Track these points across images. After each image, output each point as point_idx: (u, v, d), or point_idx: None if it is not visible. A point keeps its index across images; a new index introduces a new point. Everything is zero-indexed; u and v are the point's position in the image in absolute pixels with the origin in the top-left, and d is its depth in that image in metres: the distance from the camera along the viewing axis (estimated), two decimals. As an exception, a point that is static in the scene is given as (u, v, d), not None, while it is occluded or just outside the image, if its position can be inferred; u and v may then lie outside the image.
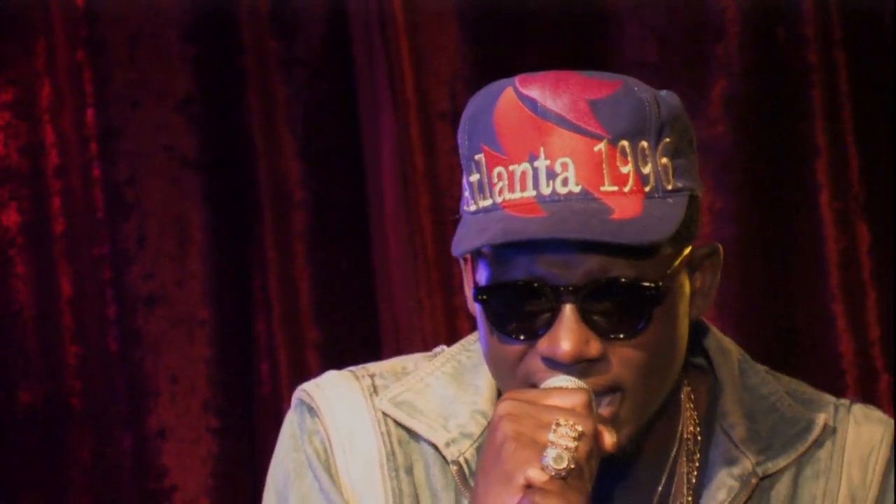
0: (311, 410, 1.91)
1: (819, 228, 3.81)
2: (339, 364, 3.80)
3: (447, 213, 3.70)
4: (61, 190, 3.88)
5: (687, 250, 1.80)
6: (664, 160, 1.76)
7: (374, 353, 3.83)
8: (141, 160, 3.90)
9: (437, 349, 1.98)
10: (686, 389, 1.92)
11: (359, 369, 1.96)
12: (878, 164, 3.82)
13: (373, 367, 1.97)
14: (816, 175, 3.81)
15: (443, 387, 1.91)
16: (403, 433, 1.89)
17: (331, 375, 1.96)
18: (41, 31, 3.88)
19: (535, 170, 1.73)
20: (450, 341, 3.69)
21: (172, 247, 3.90)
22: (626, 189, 1.74)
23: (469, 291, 1.83)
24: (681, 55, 3.82)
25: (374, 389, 1.92)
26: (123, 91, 3.89)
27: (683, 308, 1.81)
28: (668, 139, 1.77)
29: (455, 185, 3.27)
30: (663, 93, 1.81)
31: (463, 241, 1.76)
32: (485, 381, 1.90)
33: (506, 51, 3.84)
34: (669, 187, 1.76)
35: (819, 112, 3.80)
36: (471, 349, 1.94)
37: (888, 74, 3.81)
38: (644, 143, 1.75)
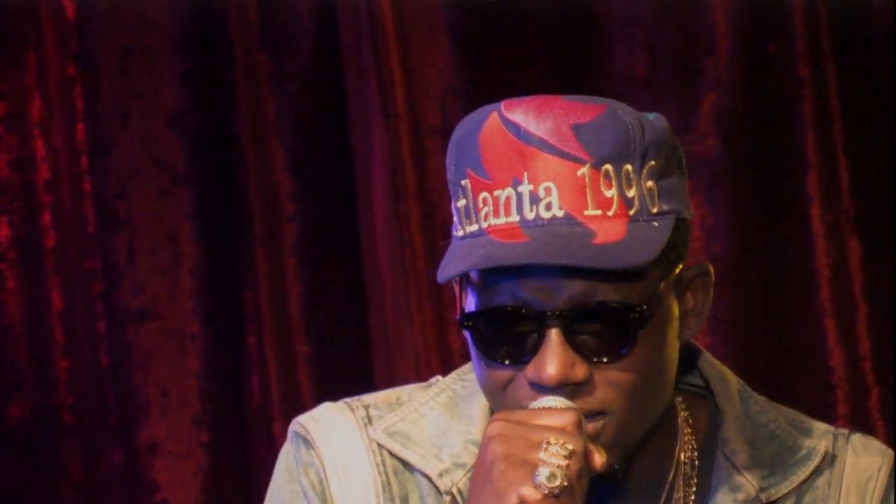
0: (307, 442, 1.91)
1: (810, 242, 3.81)
2: (330, 379, 3.85)
3: (438, 228, 3.70)
4: (52, 204, 3.87)
5: (674, 272, 1.80)
6: (649, 183, 1.76)
7: (364, 367, 3.83)
8: (131, 174, 3.90)
9: (433, 379, 1.99)
10: (683, 414, 1.92)
11: (353, 400, 1.96)
12: (868, 178, 3.83)
13: (368, 398, 1.97)
14: (807, 188, 3.82)
15: (437, 417, 1.91)
16: (398, 463, 1.89)
17: (325, 407, 1.96)
18: (32, 44, 3.87)
19: (519, 195, 1.73)
20: (441, 356, 3.73)
21: (163, 261, 3.89)
22: (611, 213, 1.74)
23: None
24: (671, 69, 3.82)
25: (369, 420, 1.92)
26: (114, 105, 3.89)
27: (672, 330, 1.81)
28: (653, 162, 1.77)
29: (446, 199, 3.26)
30: (651, 115, 1.81)
31: (447, 268, 1.76)
32: (479, 410, 1.90)
33: (497, 65, 3.84)
34: (655, 210, 1.76)
35: (809, 125, 3.80)
36: (466, 378, 1.94)
37: (879, 88, 3.82)
38: (628, 167, 1.75)
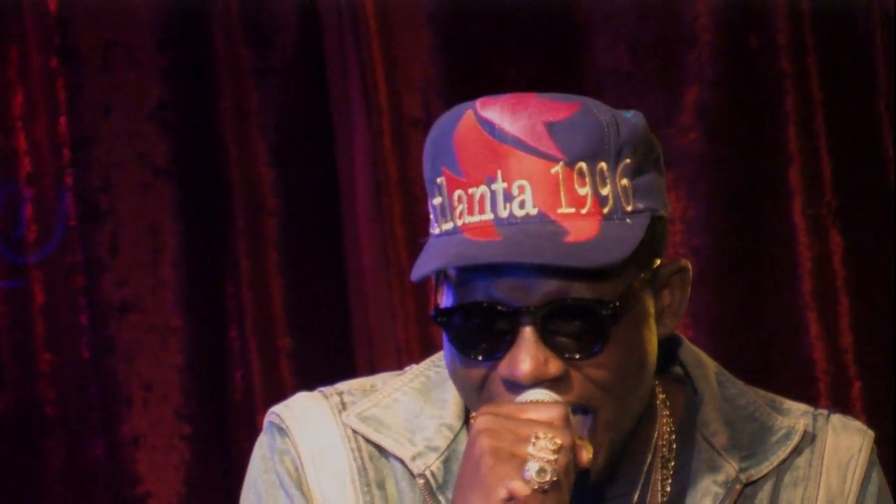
0: (281, 431, 1.91)
1: (792, 236, 3.81)
2: (312, 372, 3.85)
3: (420, 222, 3.70)
4: (34, 197, 3.87)
5: (650, 269, 1.80)
6: (624, 181, 1.76)
7: (347, 360, 3.84)
8: (114, 168, 3.89)
9: (408, 367, 1.99)
10: (661, 396, 1.92)
11: (327, 389, 1.96)
12: (851, 172, 3.83)
13: (342, 385, 1.97)
14: (789, 182, 3.82)
15: (410, 402, 1.91)
16: (373, 449, 1.90)
17: (300, 396, 1.96)
18: (14, 38, 3.87)
19: (493, 192, 1.73)
20: (423, 350, 3.72)
21: (145, 254, 3.89)
22: (584, 211, 1.74)
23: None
24: (653, 63, 3.82)
25: (343, 406, 1.92)
26: (96, 99, 3.88)
27: (649, 327, 1.80)
28: (628, 160, 1.77)
29: (425, 194, 3.27)
30: (628, 113, 1.81)
31: (421, 266, 1.77)
32: (452, 395, 1.90)
33: (479, 58, 3.84)
34: (629, 208, 1.76)
35: (792, 119, 3.80)
36: (439, 364, 1.94)
37: (861, 81, 3.82)
38: (602, 165, 1.75)
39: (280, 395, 3.81)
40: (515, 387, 1.74)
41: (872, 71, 3.80)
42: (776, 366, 3.83)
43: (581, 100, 1.79)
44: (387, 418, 1.90)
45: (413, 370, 1.96)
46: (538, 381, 1.73)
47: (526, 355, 1.72)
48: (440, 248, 1.76)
